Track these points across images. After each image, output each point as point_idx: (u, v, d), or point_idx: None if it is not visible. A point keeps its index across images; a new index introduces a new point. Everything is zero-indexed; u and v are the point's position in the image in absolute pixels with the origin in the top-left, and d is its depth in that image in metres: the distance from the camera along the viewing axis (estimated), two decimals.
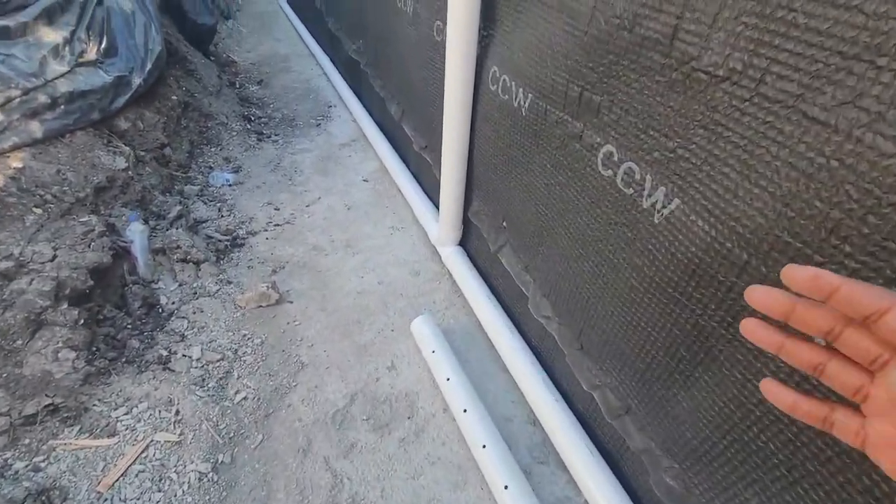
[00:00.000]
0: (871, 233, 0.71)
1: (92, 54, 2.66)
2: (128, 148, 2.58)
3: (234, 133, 3.62)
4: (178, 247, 2.27)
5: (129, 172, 2.51)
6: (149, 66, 2.92)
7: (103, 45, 2.74)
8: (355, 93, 4.18)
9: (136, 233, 2.21)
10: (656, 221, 1.11)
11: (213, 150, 3.40)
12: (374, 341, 2.05)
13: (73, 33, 2.58)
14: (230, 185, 3.06)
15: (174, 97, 3.26)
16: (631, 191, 1.17)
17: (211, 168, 3.20)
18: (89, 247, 2.03)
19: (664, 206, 1.08)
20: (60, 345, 1.68)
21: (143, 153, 2.75)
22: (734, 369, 0.99)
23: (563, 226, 1.52)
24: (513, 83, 1.59)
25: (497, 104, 1.74)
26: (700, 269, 1.01)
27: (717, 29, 0.88)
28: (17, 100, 2.18)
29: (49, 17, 2.50)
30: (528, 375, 1.79)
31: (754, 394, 0.95)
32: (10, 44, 2.26)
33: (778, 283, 0.53)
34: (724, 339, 1.00)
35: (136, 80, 2.83)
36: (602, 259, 1.33)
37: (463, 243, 2.42)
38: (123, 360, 1.80)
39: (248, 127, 3.78)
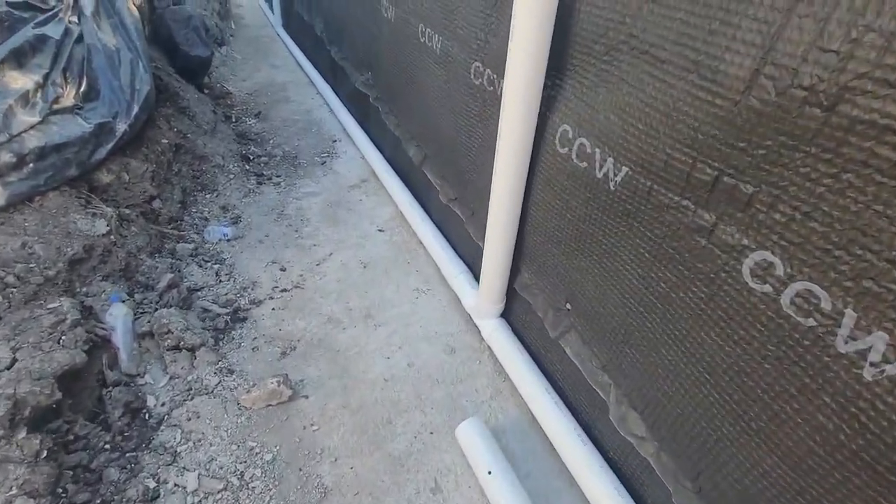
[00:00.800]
0: None
1: (69, 100, 2.31)
2: (109, 209, 2.22)
3: (232, 176, 3.27)
4: (169, 331, 1.90)
5: (112, 237, 2.15)
6: (136, 109, 2.57)
7: (83, 89, 2.40)
8: (362, 126, 3.86)
9: (118, 317, 1.84)
10: (870, 378, 0.77)
11: (208, 197, 3.04)
12: (410, 451, 1.68)
13: (46, 77, 2.23)
14: (228, 241, 2.70)
15: (164, 140, 2.91)
16: (813, 323, 0.83)
17: (206, 220, 2.84)
18: (59, 342, 1.65)
19: (886, 361, 0.74)
20: (15, 491, 1.30)
21: (127, 210, 2.39)
22: None
23: (668, 333, 1.18)
24: (596, 150, 1.26)
25: (568, 170, 1.40)
26: None
27: None
28: None
29: (18, 59, 2.15)
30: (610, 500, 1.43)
31: None
32: None
33: None
34: None
35: (121, 127, 2.47)
36: (750, 398, 0.99)
37: (506, 315, 2.07)
38: (99, 501, 1.41)
39: (247, 168, 3.43)
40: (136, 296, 2.12)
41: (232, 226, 2.82)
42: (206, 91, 4.22)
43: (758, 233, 0.90)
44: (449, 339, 2.15)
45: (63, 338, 1.67)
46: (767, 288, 0.90)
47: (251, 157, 3.57)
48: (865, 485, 0.80)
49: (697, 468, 1.17)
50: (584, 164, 1.32)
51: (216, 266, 2.47)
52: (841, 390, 0.81)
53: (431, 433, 1.75)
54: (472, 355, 2.08)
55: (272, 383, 1.76)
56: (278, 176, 3.42)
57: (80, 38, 2.49)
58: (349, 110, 4.16)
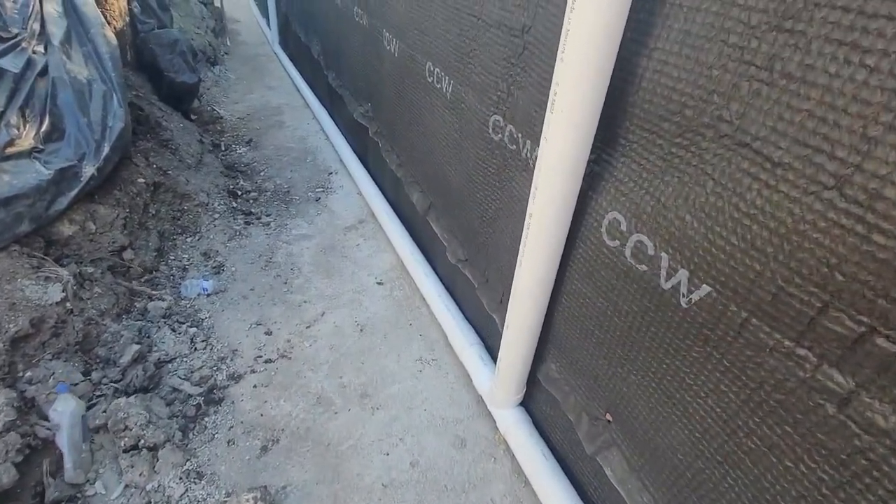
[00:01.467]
0: None
1: (27, 141, 2.03)
2: (66, 271, 1.92)
3: (217, 215, 2.98)
4: (127, 427, 1.59)
5: (68, 304, 1.85)
6: (106, 149, 2.29)
7: (44, 128, 2.11)
8: (360, 159, 3.59)
9: (64, 413, 1.54)
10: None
11: (189, 240, 2.75)
12: None
13: (0, 117, 1.95)
14: (208, 296, 2.40)
15: (141, 180, 2.62)
16: None
17: (185, 269, 2.54)
18: None
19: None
20: None
21: (91, 268, 2.09)
22: None
23: (764, 501, 0.89)
24: (662, 254, 0.98)
25: (618, 268, 1.13)
26: None
27: None
28: None
29: None
30: None
31: None
32: None
33: None
34: None
35: (88, 170, 2.19)
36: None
37: (526, 402, 1.78)
38: None
39: (234, 205, 3.14)
40: (94, 374, 1.82)
41: (213, 277, 2.53)
42: (193, 117, 3.95)
43: None
44: (458, 427, 1.86)
45: None
46: None
47: (239, 193, 3.29)
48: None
49: None
50: (643, 268, 1.04)
51: (192, 330, 2.16)
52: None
53: None
54: (486, 450, 1.78)
55: (247, 500, 1.45)
56: (268, 215, 3.13)
57: (44, 71, 2.22)
58: (347, 140, 3.89)
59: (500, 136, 1.58)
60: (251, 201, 3.26)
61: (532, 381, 1.70)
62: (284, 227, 3.02)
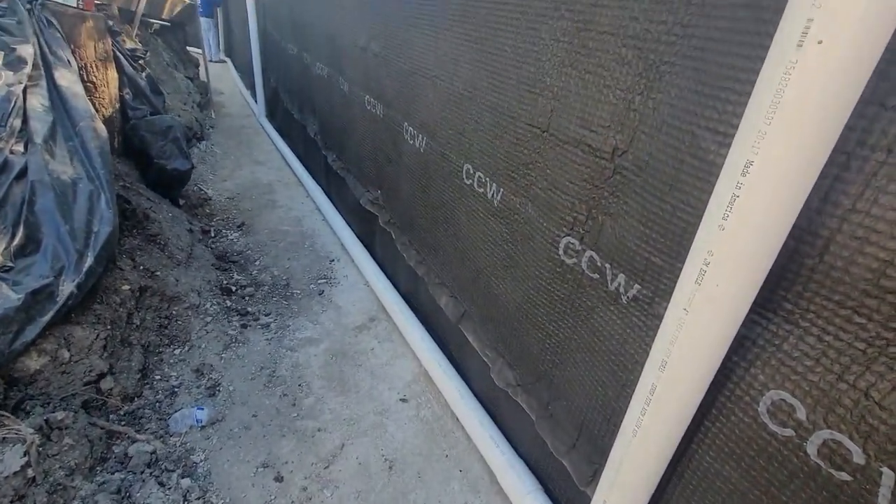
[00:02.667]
0: None
1: None
2: (30, 430, 1.53)
3: (209, 318, 2.63)
4: None
5: (29, 472, 1.45)
6: (89, 260, 1.98)
7: (16, 241, 1.80)
8: (365, 245, 3.36)
9: None
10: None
11: (177, 353, 2.38)
12: None
13: None
14: (202, 428, 2.01)
15: (126, 287, 2.29)
16: None
17: (174, 393, 2.16)
18: None
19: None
20: None
21: (61, 413, 1.70)
22: None
23: None
24: (881, 468, 0.75)
25: (790, 462, 0.88)
26: None
27: None
28: None
29: None
30: None
31: None
32: None
33: None
34: None
35: (67, 288, 1.86)
36: None
37: None
38: None
39: (228, 304, 2.81)
40: None
41: (208, 400, 2.15)
42: (181, 202, 3.67)
43: None
44: None
45: None
46: None
47: (233, 289, 2.96)
48: None
49: None
50: (845, 476, 0.80)
51: (185, 482, 1.77)
52: None
53: None
54: None
55: None
56: (267, 314, 2.80)
57: (22, 173, 1.94)
58: (347, 222, 3.67)
59: (575, 260, 1.37)
60: (247, 298, 2.93)
61: None
62: (286, 329, 2.69)
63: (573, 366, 1.46)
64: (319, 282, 3.19)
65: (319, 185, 4.40)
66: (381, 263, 3.11)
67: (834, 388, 0.80)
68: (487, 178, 1.75)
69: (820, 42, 0.54)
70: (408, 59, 2.21)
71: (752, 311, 0.91)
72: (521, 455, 1.83)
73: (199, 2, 8.92)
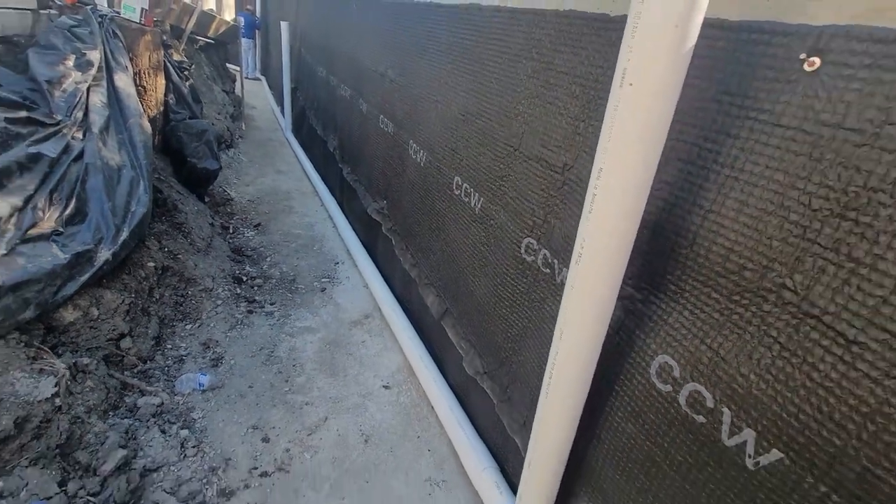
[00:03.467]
0: None
1: (49, 224, 2.01)
2: (62, 364, 1.80)
3: (220, 302, 2.90)
4: None
5: (57, 401, 1.71)
6: (125, 234, 2.28)
7: (68, 211, 2.12)
8: (368, 251, 3.63)
9: None
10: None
11: (189, 328, 2.65)
12: None
13: (28, 200, 1.95)
14: (203, 392, 2.26)
15: (151, 263, 2.58)
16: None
17: (182, 360, 2.42)
18: None
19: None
20: None
21: (86, 360, 1.97)
22: None
23: None
24: (724, 409, 0.97)
25: (669, 415, 1.10)
26: None
27: None
28: None
29: (0, 180, 1.88)
30: None
31: None
32: None
33: None
34: None
35: (103, 255, 2.16)
36: None
37: None
38: None
39: (238, 292, 3.09)
40: (71, 485, 1.63)
41: (211, 370, 2.40)
42: (206, 199, 4.01)
43: None
44: None
45: None
46: None
47: (244, 279, 3.25)
48: None
49: None
50: (701, 419, 1.02)
51: (183, 432, 2.00)
52: None
53: None
54: None
55: None
56: (272, 304, 3.07)
57: (79, 156, 2.28)
58: (355, 230, 3.97)
59: (532, 258, 1.62)
60: (255, 288, 3.21)
61: None
62: (288, 318, 2.95)
63: (527, 351, 1.68)
64: (323, 280, 3.46)
65: (333, 195, 4.74)
66: (381, 267, 3.37)
67: (697, 350, 1.03)
68: (472, 189, 2.02)
69: (631, 84, 0.80)
70: (417, 86, 2.53)
71: (644, 292, 1.15)
72: (483, 438, 2.02)
73: (242, 24, 9.64)
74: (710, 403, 1.00)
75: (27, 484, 1.52)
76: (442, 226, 2.32)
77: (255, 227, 4.15)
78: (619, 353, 1.23)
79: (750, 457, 0.92)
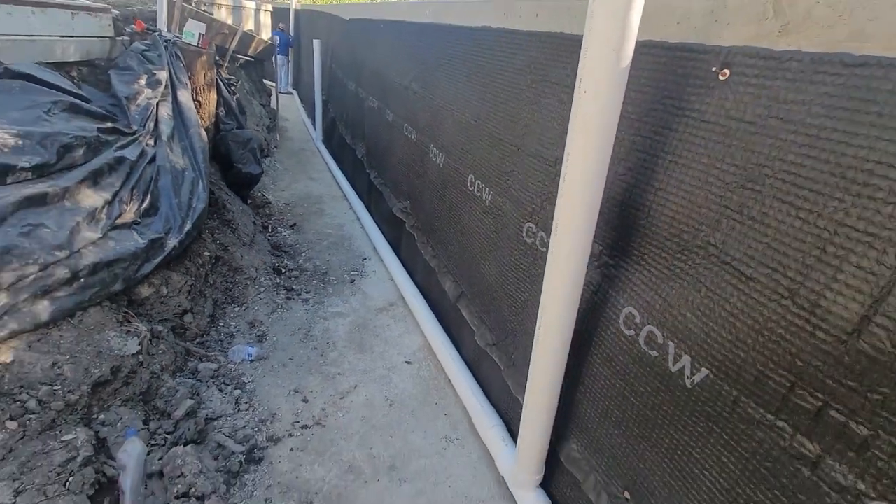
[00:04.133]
0: None
1: (129, 215, 2.42)
2: (144, 327, 2.19)
3: (263, 289, 3.28)
4: (182, 474, 1.74)
5: (140, 357, 2.08)
6: (188, 226, 2.68)
7: (144, 205, 2.52)
8: (393, 248, 3.98)
9: (131, 455, 1.70)
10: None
11: (237, 310, 3.03)
12: None
13: (115, 194, 2.36)
14: (252, 361, 2.61)
15: (206, 253, 2.98)
16: None
17: (233, 336, 2.79)
18: (65, 486, 1.51)
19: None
20: None
21: (160, 327, 2.36)
22: None
23: None
24: (669, 343, 1.24)
25: (633, 354, 1.37)
26: None
27: None
28: (31, 277, 1.85)
29: (95, 178, 2.29)
30: None
31: None
32: (41, 212, 2.00)
33: None
34: None
35: (171, 242, 2.55)
36: None
37: (546, 484, 1.90)
38: None
39: (278, 281, 3.46)
40: (152, 424, 1.99)
41: (257, 345, 2.76)
42: (248, 201, 4.45)
43: (878, 482, 0.83)
44: None
45: (70, 479, 1.53)
46: None
47: (283, 271, 3.63)
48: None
49: None
50: (654, 353, 1.29)
51: (237, 392, 2.35)
52: None
53: None
54: None
55: None
56: (307, 292, 3.43)
57: (152, 160, 2.69)
58: (381, 230, 4.33)
59: (532, 240, 1.91)
60: (293, 278, 3.58)
61: (554, 463, 1.84)
62: (322, 304, 3.31)
63: (529, 321, 1.96)
64: (352, 273, 3.81)
65: (361, 199, 5.12)
66: (404, 261, 3.70)
67: (652, 299, 1.30)
68: (483, 184, 2.33)
69: (585, 91, 1.09)
70: (437, 96, 2.87)
71: (616, 258, 1.43)
72: (492, 403, 2.30)
73: (277, 42, 10.27)
74: (660, 340, 1.27)
75: (121, 418, 1.89)
76: (458, 219, 2.63)
77: (290, 226, 4.55)
78: (596, 310, 1.51)
79: (688, 377, 1.19)
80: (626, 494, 1.47)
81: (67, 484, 1.52)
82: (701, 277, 1.16)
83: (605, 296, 1.47)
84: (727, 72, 1.09)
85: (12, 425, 1.60)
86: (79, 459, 1.59)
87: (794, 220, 0.95)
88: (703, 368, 1.15)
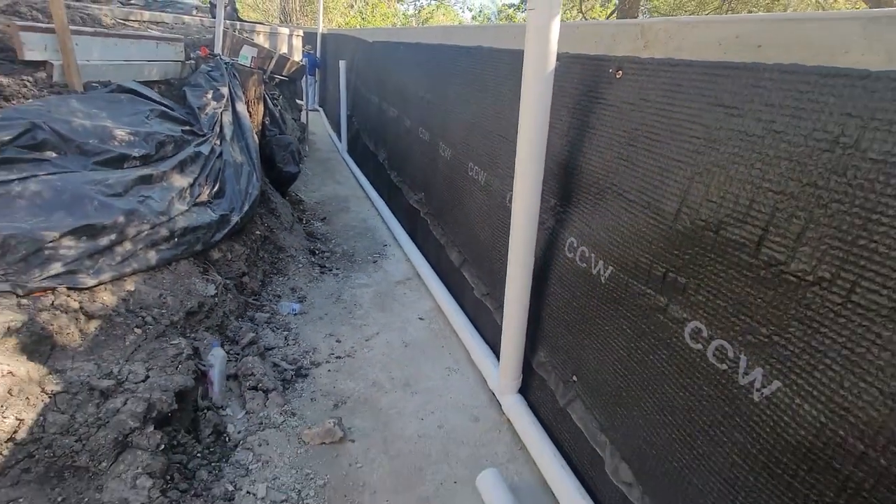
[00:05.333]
0: None
1: (205, 196, 3.11)
2: (220, 277, 2.86)
3: (301, 265, 3.95)
4: (252, 374, 2.37)
5: (216, 299, 2.74)
6: (246, 207, 3.37)
7: (215, 189, 3.22)
8: (410, 235, 4.61)
9: (217, 358, 2.34)
10: (756, 399, 1.19)
11: (281, 279, 3.69)
12: (437, 494, 1.99)
13: (195, 179, 3.07)
14: (296, 314, 3.25)
15: (258, 232, 3.67)
16: (725, 367, 1.28)
17: (279, 297, 3.44)
18: (177, 369, 2.15)
19: (763, 386, 1.17)
20: (140, 470, 1.70)
21: (228, 281, 3.03)
22: None
23: (646, 391, 1.59)
24: (592, 255, 1.82)
25: (573, 270, 1.95)
26: (812, 453, 1.06)
27: (802, 244, 1.08)
28: (144, 233, 2.53)
29: (181, 167, 3.00)
30: None
31: None
32: (149, 188, 2.71)
33: None
34: None
35: (235, 219, 3.24)
36: (695, 430, 1.38)
37: (523, 391, 2.46)
38: (192, 492, 1.78)
39: (313, 260, 4.13)
40: (225, 347, 2.64)
41: (299, 304, 3.41)
42: (287, 198, 5.16)
43: (691, 309, 1.39)
44: (474, 410, 2.52)
45: (180, 366, 2.17)
46: (699, 346, 1.36)
47: (316, 252, 4.30)
48: (769, 482, 1.16)
49: (669, 500, 1.49)
50: (584, 265, 1.87)
51: (285, 333, 2.99)
52: (744, 412, 1.22)
53: (455, 482, 2.06)
54: (494, 425, 2.42)
55: (329, 423, 2.16)
56: (337, 269, 4.08)
57: (220, 155, 3.40)
58: (399, 221, 4.97)
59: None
60: (325, 258, 4.24)
61: (529, 373, 2.40)
62: (349, 278, 3.95)
63: None
64: (374, 255, 4.45)
65: (382, 197, 5.80)
66: (419, 245, 4.33)
67: (583, 228, 1.88)
68: (480, 169, 2.94)
69: (526, 87, 1.71)
70: (445, 103, 3.52)
71: (563, 205, 2.02)
72: (486, 342, 2.88)
73: (307, 63, 11.19)
74: (587, 254, 1.85)
75: (205, 338, 2.54)
76: (461, 200, 3.25)
77: (321, 219, 5.24)
78: (551, 243, 2.09)
79: (602, 276, 1.77)
80: (574, 378, 2.03)
81: (178, 367, 2.16)
82: (609, 207, 1.74)
83: (556, 232, 2.06)
84: (620, 72, 1.69)
85: (138, 331, 2.26)
86: (184, 355, 2.24)
87: (650, 160, 1.53)
88: (609, 267, 1.73)
